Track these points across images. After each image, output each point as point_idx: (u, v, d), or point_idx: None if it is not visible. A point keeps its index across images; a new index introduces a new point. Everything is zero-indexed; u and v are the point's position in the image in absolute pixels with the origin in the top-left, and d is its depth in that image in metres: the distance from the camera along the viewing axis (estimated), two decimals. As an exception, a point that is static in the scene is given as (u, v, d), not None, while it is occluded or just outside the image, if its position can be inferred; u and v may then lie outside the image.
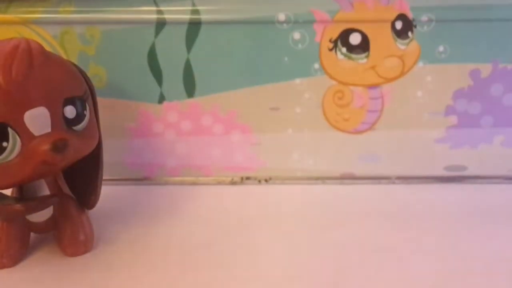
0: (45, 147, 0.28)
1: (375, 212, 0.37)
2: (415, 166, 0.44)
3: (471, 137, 0.43)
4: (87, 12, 0.40)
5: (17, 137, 0.28)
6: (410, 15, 0.39)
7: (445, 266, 0.31)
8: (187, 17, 0.40)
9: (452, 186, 0.43)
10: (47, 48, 0.31)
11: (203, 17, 0.40)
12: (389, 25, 0.40)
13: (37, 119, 0.29)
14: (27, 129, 0.28)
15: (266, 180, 0.45)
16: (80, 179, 0.35)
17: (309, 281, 0.31)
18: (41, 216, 0.33)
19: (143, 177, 0.46)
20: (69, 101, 0.30)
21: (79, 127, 0.31)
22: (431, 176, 0.44)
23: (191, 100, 0.43)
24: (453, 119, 0.42)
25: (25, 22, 0.41)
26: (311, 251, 0.34)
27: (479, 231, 0.35)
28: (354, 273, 0.31)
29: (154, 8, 0.40)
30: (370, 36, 0.40)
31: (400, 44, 0.40)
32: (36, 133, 0.29)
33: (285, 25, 0.40)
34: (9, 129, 0.28)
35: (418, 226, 0.36)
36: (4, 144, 0.28)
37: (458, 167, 0.44)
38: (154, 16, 0.40)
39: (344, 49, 0.40)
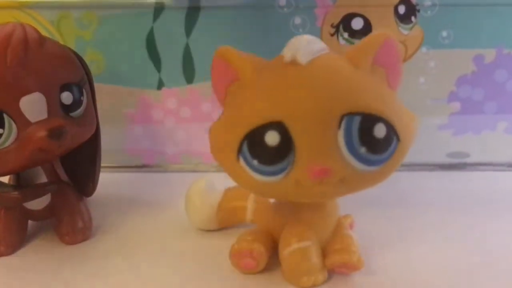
0: (41, 133, 0.28)
1: (377, 199, 0.37)
2: (417, 153, 0.43)
3: (474, 124, 0.43)
4: (84, -4, 0.40)
5: (13, 123, 0.28)
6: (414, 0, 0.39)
7: (447, 253, 0.31)
8: (186, 1, 0.40)
9: (455, 173, 0.43)
10: (44, 33, 0.31)
11: (203, 1, 0.40)
12: (391, 9, 0.39)
13: (33, 106, 0.28)
14: (23, 116, 0.28)
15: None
16: (78, 166, 0.35)
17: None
18: (39, 203, 0.33)
19: (142, 164, 0.46)
20: (66, 87, 0.30)
21: (76, 113, 0.31)
22: (434, 163, 0.44)
23: (190, 86, 0.43)
24: (456, 106, 0.42)
25: (21, 7, 0.40)
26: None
27: (481, 218, 0.35)
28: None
29: (152, -8, 0.40)
30: (372, 20, 0.39)
31: (403, 29, 0.40)
32: (32, 120, 0.28)
33: (286, 9, 0.39)
34: (5, 116, 0.28)
35: (420, 213, 0.36)
36: (0, 131, 0.28)
37: (461, 154, 0.44)
38: (153, 0, 0.40)
39: (346, 34, 0.40)
